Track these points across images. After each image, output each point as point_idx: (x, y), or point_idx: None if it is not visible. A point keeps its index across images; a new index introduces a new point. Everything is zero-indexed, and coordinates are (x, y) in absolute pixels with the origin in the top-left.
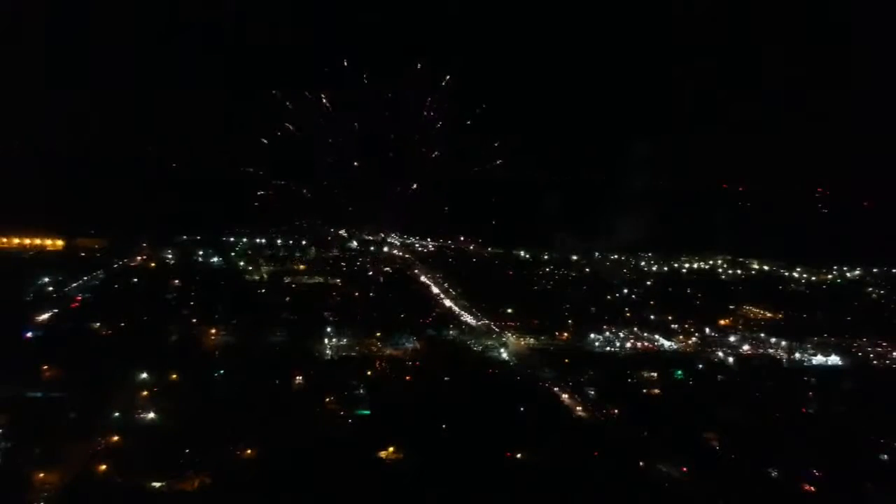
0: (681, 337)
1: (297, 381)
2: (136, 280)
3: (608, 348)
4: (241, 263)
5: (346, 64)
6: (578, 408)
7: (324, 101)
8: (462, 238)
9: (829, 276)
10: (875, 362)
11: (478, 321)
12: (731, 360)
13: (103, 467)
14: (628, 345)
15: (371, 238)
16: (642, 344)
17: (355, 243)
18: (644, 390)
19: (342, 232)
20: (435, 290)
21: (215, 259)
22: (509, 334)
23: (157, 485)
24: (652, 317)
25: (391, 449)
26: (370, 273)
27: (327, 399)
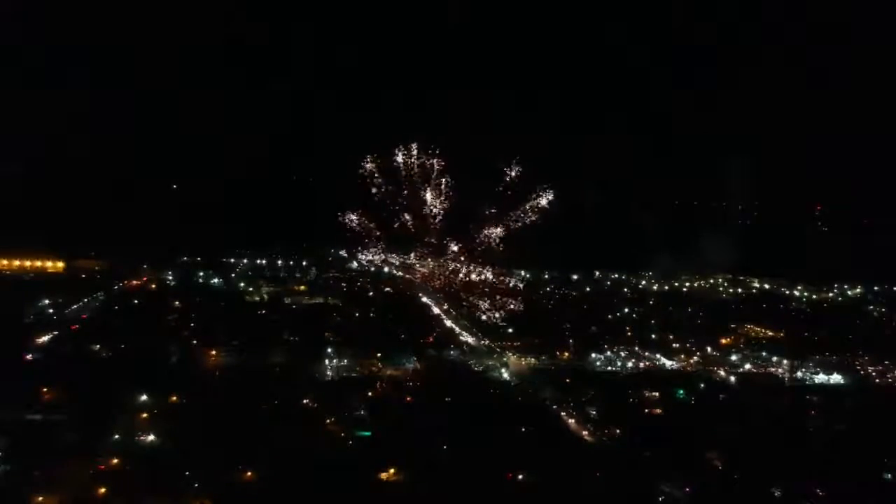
0: (682, 356)
1: (297, 403)
2: (136, 302)
3: (609, 367)
4: (242, 284)
5: None
6: (580, 428)
7: None
8: (462, 258)
9: (831, 294)
10: (877, 380)
11: (478, 341)
12: (732, 378)
13: (103, 490)
14: (629, 364)
15: (371, 258)
16: (643, 363)
17: (355, 263)
18: (646, 410)
19: (342, 252)
20: (435, 310)
21: (215, 280)
22: (510, 354)
23: None
24: (653, 336)
25: (392, 470)
26: (370, 293)
27: (328, 420)
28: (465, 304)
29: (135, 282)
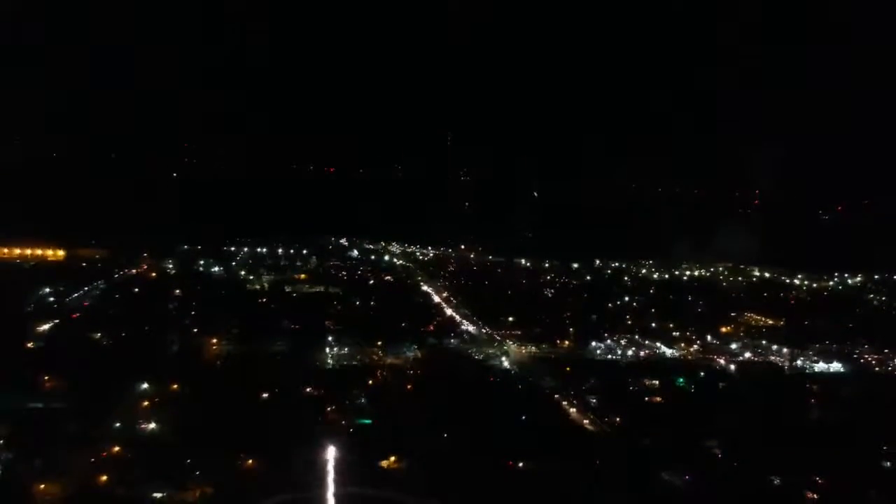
0: (682, 344)
1: (298, 391)
2: (136, 290)
3: (609, 356)
4: (242, 273)
5: None
6: (580, 416)
7: None
8: (462, 246)
9: (831, 283)
10: (877, 369)
11: (479, 330)
12: (732, 367)
13: (104, 478)
14: (630, 352)
15: (372, 247)
16: (644, 351)
17: (356, 252)
18: (646, 398)
19: (342, 241)
20: (436, 298)
21: (216, 268)
22: (511, 342)
23: (159, 495)
24: (653, 324)
25: (393, 458)
26: (371, 282)
27: (329, 409)
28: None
29: (135, 270)
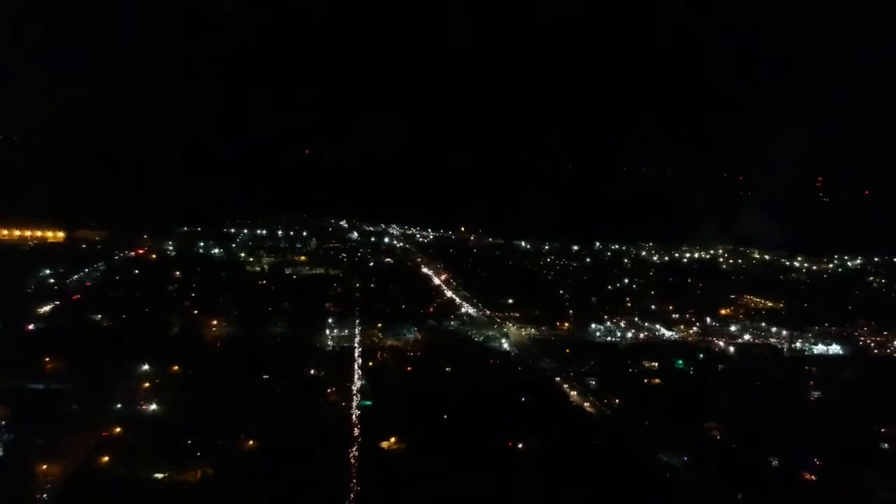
0: (681, 326)
1: (298, 373)
2: (137, 272)
3: (609, 338)
4: (242, 255)
5: None
6: (580, 398)
7: None
8: (462, 228)
9: (830, 266)
10: (875, 351)
11: (479, 311)
12: (731, 349)
13: (106, 459)
14: (629, 334)
15: (371, 229)
16: (643, 334)
17: (356, 234)
18: (645, 380)
19: (342, 223)
20: (436, 281)
21: (216, 250)
22: (510, 324)
23: (160, 476)
24: (653, 307)
25: (393, 439)
26: (371, 264)
27: (329, 390)
28: None
29: (135, 252)
